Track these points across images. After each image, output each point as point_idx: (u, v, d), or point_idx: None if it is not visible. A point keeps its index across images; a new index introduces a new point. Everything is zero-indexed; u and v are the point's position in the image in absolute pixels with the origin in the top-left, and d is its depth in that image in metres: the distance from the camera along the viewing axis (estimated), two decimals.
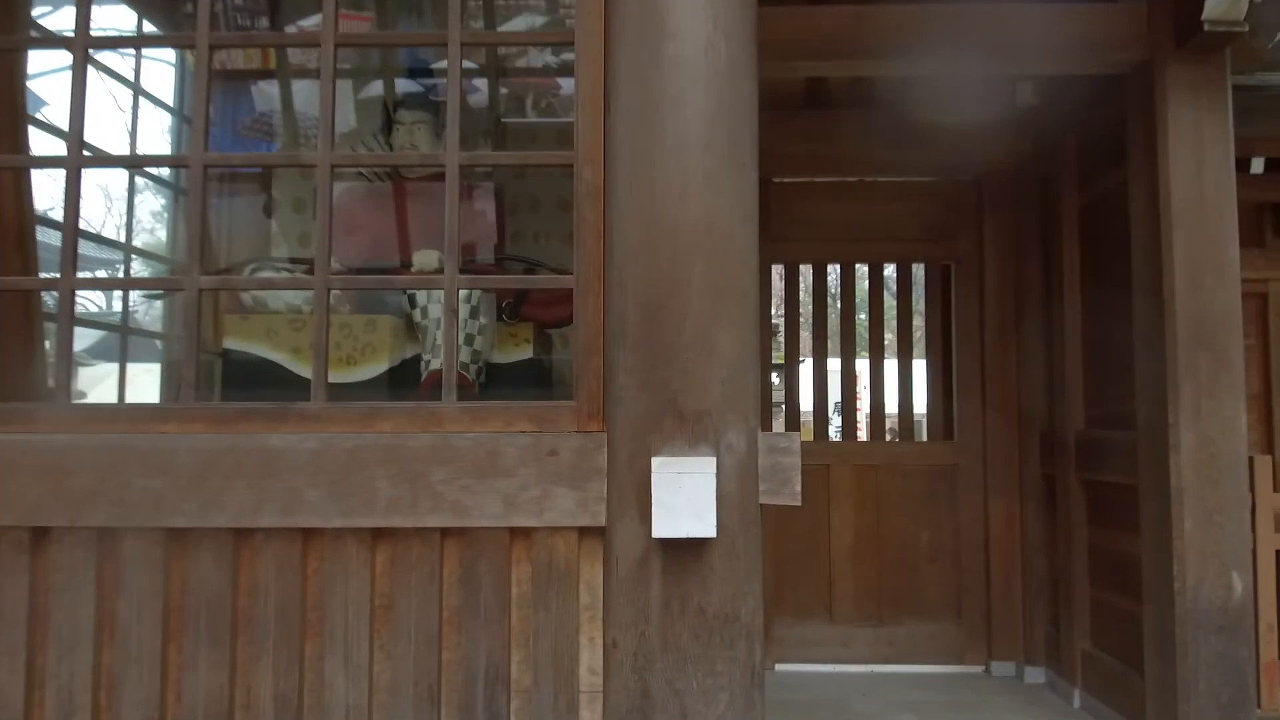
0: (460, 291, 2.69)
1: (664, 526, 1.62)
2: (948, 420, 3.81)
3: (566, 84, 3.58)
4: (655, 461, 1.64)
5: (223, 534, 1.81)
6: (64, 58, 1.97)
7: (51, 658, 1.80)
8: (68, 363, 1.90)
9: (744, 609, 1.72)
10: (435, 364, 2.62)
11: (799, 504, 1.79)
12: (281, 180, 3.65)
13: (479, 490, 1.79)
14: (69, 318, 1.90)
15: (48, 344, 2.41)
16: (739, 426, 1.75)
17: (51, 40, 2.11)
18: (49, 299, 2.15)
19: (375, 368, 2.61)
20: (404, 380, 2.70)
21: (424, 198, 3.02)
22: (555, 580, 1.80)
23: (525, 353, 2.83)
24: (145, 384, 4.09)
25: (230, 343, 2.65)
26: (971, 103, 3.54)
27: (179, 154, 3.63)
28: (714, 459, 1.66)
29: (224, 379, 2.68)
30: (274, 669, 1.79)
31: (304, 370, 2.59)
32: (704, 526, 1.62)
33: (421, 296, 2.65)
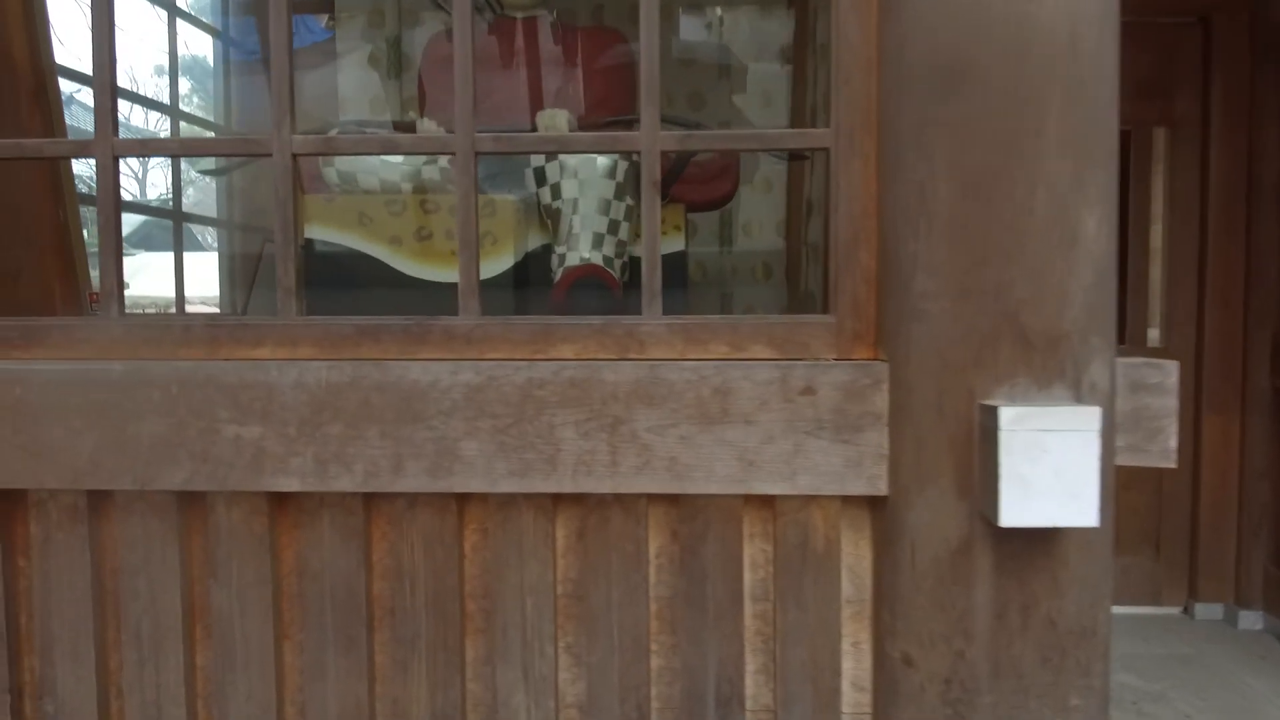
0: (601, 161, 2.11)
1: (1018, 511, 1.07)
2: (1150, 319, 3.19)
3: None
4: (1006, 414, 1.08)
5: (350, 500, 1.31)
6: None
7: (129, 660, 1.35)
8: (115, 260, 1.36)
9: (1100, 618, 1.20)
10: (572, 258, 2.06)
11: (1173, 465, 1.23)
12: (348, 31, 3.00)
13: (702, 443, 1.26)
14: (112, 194, 1.35)
15: (85, 234, 1.88)
16: (1103, 355, 1.18)
17: None
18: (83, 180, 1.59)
19: (499, 263, 2.05)
20: (529, 279, 2.14)
21: (537, 45, 2.38)
22: (810, 566, 1.29)
23: (676, 243, 2.25)
24: (205, 278, 3.57)
25: (314, 230, 2.09)
26: None
27: None
28: (1097, 410, 1.09)
29: (308, 278, 2.12)
30: (428, 678, 1.32)
31: (410, 267, 2.04)
32: (1081, 512, 1.07)
33: (553, 171, 2.05)
